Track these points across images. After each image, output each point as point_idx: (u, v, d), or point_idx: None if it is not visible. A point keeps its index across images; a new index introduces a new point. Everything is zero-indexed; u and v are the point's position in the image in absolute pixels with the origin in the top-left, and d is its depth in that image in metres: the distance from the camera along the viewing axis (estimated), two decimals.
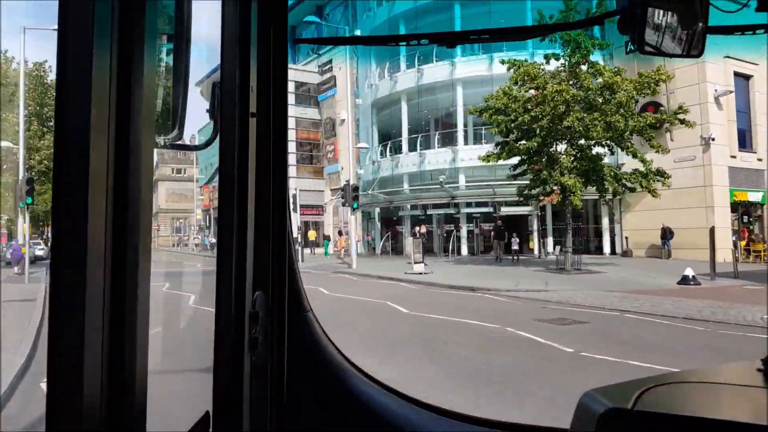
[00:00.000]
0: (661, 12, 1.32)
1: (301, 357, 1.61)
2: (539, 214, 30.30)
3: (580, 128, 19.59)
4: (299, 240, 31.02)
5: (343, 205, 25.24)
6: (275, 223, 1.54)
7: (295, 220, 45.74)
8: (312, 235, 40.79)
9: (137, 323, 0.85)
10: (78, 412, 0.76)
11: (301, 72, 46.04)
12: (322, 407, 1.65)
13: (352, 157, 27.43)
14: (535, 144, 20.32)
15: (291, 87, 45.59)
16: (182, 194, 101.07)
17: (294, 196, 31.14)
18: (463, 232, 31.69)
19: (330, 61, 41.92)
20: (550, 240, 30.27)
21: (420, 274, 20.14)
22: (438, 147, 32.90)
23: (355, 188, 24.94)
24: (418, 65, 32.89)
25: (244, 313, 1.39)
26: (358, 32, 39.35)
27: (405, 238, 34.54)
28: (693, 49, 1.36)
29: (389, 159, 35.02)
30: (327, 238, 40.81)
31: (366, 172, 38.85)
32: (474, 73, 30.95)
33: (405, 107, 34.86)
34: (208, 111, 1.38)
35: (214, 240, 47.36)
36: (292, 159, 45.39)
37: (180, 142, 1.30)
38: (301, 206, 45.14)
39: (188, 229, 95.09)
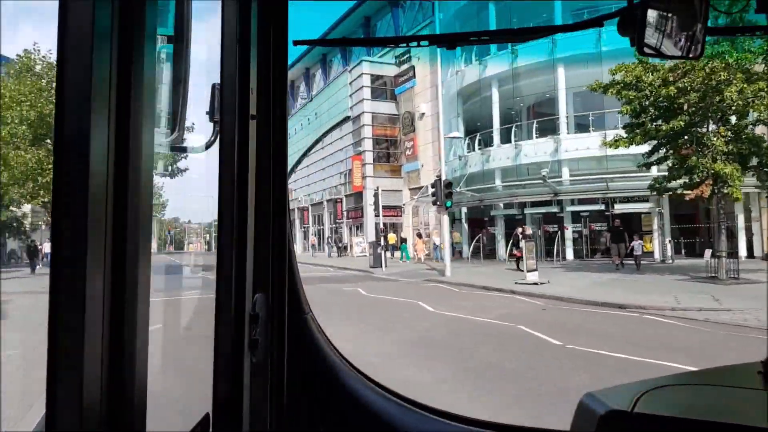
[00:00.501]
0: (661, 13, 1.32)
1: (301, 359, 1.63)
2: (661, 211, 25.89)
3: (739, 102, 15.47)
4: (381, 244, 27.94)
5: (434, 203, 21.98)
6: (275, 224, 1.54)
7: (374, 222, 43.26)
8: (392, 238, 37.82)
9: (137, 324, 0.85)
10: (78, 414, 0.76)
11: (377, 65, 43.28)
12: (322, 409, 1.66)
13: (442, 149, 24.13)
14: (681, 123, 16.31)
15: (366, 81, 42.92)
16: None
17: (376, 195, 28.14)
18: (568, 234, 27.65)
19: (408, 51, 38.75)
20: (658, 241, 25.77)
21: (535, 284, 16.61)
22: (536, 137, 28.99)
23: (448, 184, 21.63)
24: (512, 46, 29.16)
25: (244, 314, 1.39)
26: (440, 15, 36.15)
27: (498, 240, 30.85)
28: (693, 50, 1.36)
29: (479, 153, 31.39)
30: (404, 241, 37.69)
31: (450, 168, 35.38)
32: (578, 51, 26.88)
33: (496, 94, 31.23)
34: (207, 113, 1.38)
35: None
36: (368, 157, 42.56)
37: (180, 144, 1.32)
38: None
39: None
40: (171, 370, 5.76)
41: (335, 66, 51.82)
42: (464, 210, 33.99)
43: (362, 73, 42.66)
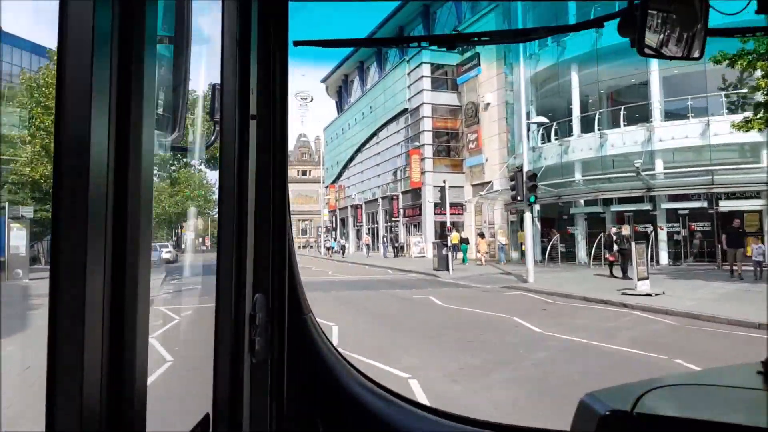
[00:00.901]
0: (662, 14, 1.32)
1: (301, 359, 1.63)
2: None
3: None
4: (448, 245, 25.26)
5: (513, 199, 19.18)
6: (275, 225, 1.54)
7: (433, 221, 40.71)
8: (455, 237, 35.08)
9: (137, 325, 0.85)
10: (78, 415, 0.76)
11: (438, 53, 40.53)
12: (322, 410, 1.65)
13: (524, 137, 21.21)
14: None
15: (426, 70, 40.28)
16: (307, 195, 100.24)
17: (442, 189, 25.47)
18: (663, 235, 24.23)
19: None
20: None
21: (648, 295, 13.64)
22: (624, 125, 25.64)
23: (532, 176, 18.77)
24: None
25: (244, 315, 1.39)
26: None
27: (578, 241, 27.65)
28: (693, 51, 1.36)
29: (556, 144, 28.23)
30: (465, 241, 34.85)
31: (519, 162, 32.31)
32: None
33: (576, 79, 28.02)
34: (208, 113, 1.40)
35: (344, 242, 43.36)
36: (428, 151, 39.88)
37: (181, 144, 1.36)
38: (437, 205, 39.88)
39: (314, 231, 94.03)
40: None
41: (391, 58, 49.28)
42: (537, 207, 30.89)
43: (422, 63, 40.04)
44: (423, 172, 39.60)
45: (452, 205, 39.60)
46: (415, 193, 40.71)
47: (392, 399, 1.64)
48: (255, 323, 1.41)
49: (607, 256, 19.66)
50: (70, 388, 0.76)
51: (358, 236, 52.28)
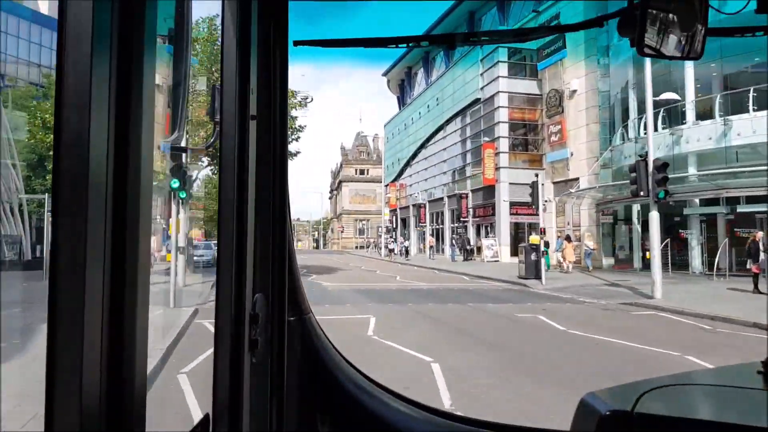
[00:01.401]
0: (661, 14, 1.32)
1: (302, 359, 1.63)
2: None
3: None
4: (544, 249, 21.71)
5: (634, 195, 15.51)
6: (276, 225, 1.55)
7: (507, 221, 37.07)
8: (534, 240, 31.33)
9: (137, 325, 0.85)
10: (77, 414, 0.76)
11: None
12: (323, 410, 1.65)
13: (650, 116, 17.38)
14: None
15: (502, 55, 36.60)
16: (365, 195, 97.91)
17: (534, 185, 21.99)
18: None
19: (557, 17, 32.02)
20: None
21: None
22: (754, 110, 21.35)
23: (662, 165, 15.06)
24: None
25: (244, 315, 1.39)
26: None
27: (692, 247, 23.50)
28: (693, 51, 1.37)
29: (665, 133, 24.11)
30: (546, 245, 31.00)
31: (617, 155, 28.37)
32: None
33: None
34: (208, 113, 1.36)
35: (407, 243, 40.29)
36: (503, 145, 36.22)
37: (179, 145, 1.83)
38: (512, 204, 36.22)
39: (371, 231, 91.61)
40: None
41: (488, 23, 45.01)
42: (636, 207, 26.87)
43: (498, 47, 36.39)
44: (497, 168, 35.99)
45: (527, 204, 35.91)
46: (488, 191, 37.14)
47: (393, 399, 1.66)
48: (255, 323, 1.42)
49: (752, 266, 15.69)
50: (70, 389, 0.76)
51: (422, 237, 49.05)
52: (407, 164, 55.09)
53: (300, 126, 22.43)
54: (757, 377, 1.27)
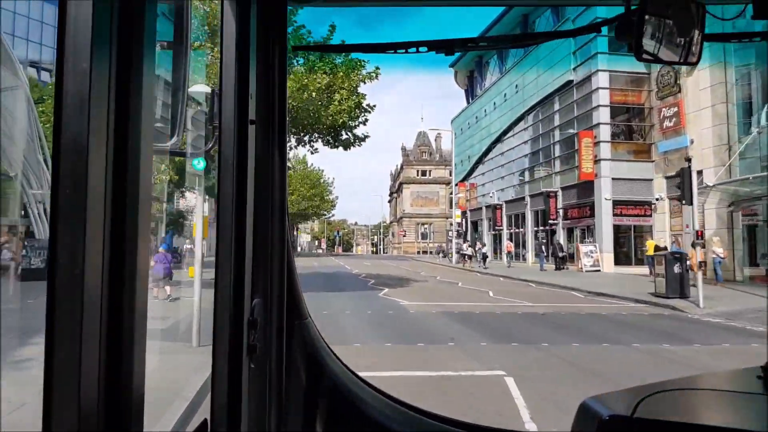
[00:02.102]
0: (658, 20, 1.33)
1: (300, 364, 1.64)
2: None
3: None
4: (679, 259, 16.32)
5: None
6: (275, 230, 1.55)
7: (610, 223, 31.38)
8: (650, 245, 25.58)
9: (135, 330, 0.85)
10: (75, 420, 0.76)
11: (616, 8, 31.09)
12: (321, 414, 1.66)
13: None
14: None
15: (603, 28, 30.89)
16: (426, 197, 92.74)
17: (683, 173, 16.49)
18: None
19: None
20: None
21: None
22: None
23: None
24: None
25: (243, 319, 1.38)
26: None
27: None
28: (690, 56, 1.38)
29: None
30: (661, 251, 25.19)
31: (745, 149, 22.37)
32: None
33: None
34: (206, 118, 1.27)
35: (485, 248, 35.06)
36: (603, 133, 30.53)
37: (178, 149, 1.60)
38: (616, 203, 30.52)
39: (433, 235, 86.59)
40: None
41: (543, 23, 39.62)
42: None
43: (596, 19, 30.71)
44: (597, 161, 30.32)
45: (635, 203, 30.06)
46: (584, 188, 31.51)
47: (390, 403, 1.66)
48: (254, 328, 1.40)
49: None
50: (67, 393, 0.75)
51: (497, 241, 43.69)
52: (479, 161, 49.81)
53: (369, 105, 17.84)
54: (757, 382, 1.29)
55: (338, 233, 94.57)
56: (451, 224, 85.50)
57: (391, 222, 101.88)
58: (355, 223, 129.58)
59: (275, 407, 1.53)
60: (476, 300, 17.05)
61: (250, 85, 1.42)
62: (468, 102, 57.35)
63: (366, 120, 18.60)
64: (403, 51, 1.55)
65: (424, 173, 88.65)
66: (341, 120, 16.58)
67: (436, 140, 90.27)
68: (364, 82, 17.21)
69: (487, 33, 40.13)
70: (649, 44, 1.33)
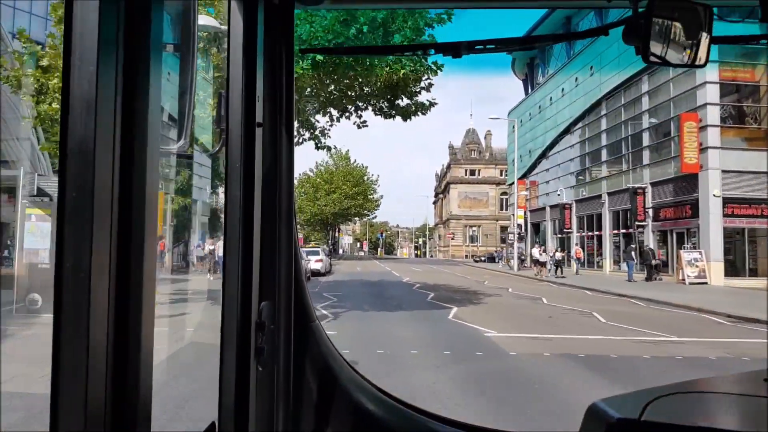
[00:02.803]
0: (666, 22, 1.33)
1: (308, 367, 1.64)
2: None
3: None
4: None
5: None
6: (282, 233, 1.55)
7: (720, 224, 25.73)
8: None
9: (142, 332, 0.85)
10: (82, 423, 0.76)
11: None
12: (329, 417, 1.65)
13: None
14: None
15: None
16: (475, 198, 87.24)
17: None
18: None
19: None
20: None
21: None
22: None
23: None
24: None
25: (251, 322, 1.39)
26: None
27: None
28: (698, 58, 1.37)
29: None
30: None
31: None
32: None
33: None
34: (214, 120, 1.40)
35: (558, 254, 29.35)
36: (712, 116, 24.99)
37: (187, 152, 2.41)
38: (727, 200, 24.93)
39: (483, 239, 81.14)
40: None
41: (586, 27, 34.46)
42: None
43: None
44: (702, 149, 24.85)
45: (750, 201, 24.49)
46: (684, 182, 26.07)
47: (399, 407, 1.64)
48: (261, 331, 1.41)
49: None
50: (74, 396, 0.75)
51: (563, 246, 38.30)
52: (542, 156, 44.51)
53: (437, 64, 13.03)
54: (763, 385, 1.30)
55: (381, 235, 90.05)
56: (503, 227, 79.90)
57: (436, 224, 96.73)
58: (397, 226, 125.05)
59: (283, 410, 1.53)
60: (586, 328, 12.25)
61: (257, 87, 1.42)
62: (527, 92, 52.06)
63: (430, 84, 13.98)
64: (411, 53, 1.18)
65: (472, 173, 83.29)
66: (401, 74, 11.85)
67: (485, 138, 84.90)
68: (427, 75, 12.90)
69: (530, 35, 35.73)
70: (656, 46, 1.34)
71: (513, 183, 51.28)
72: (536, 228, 45.41)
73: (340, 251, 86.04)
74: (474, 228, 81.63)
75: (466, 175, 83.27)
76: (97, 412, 0.77)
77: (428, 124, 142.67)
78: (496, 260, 52.82)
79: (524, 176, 46.93)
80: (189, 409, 5.05)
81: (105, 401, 0.79)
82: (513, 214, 39.51)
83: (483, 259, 57.81)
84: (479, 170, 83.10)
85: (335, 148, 60.02)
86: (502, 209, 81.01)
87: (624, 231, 31.73)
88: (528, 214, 45.52)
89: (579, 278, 28.02)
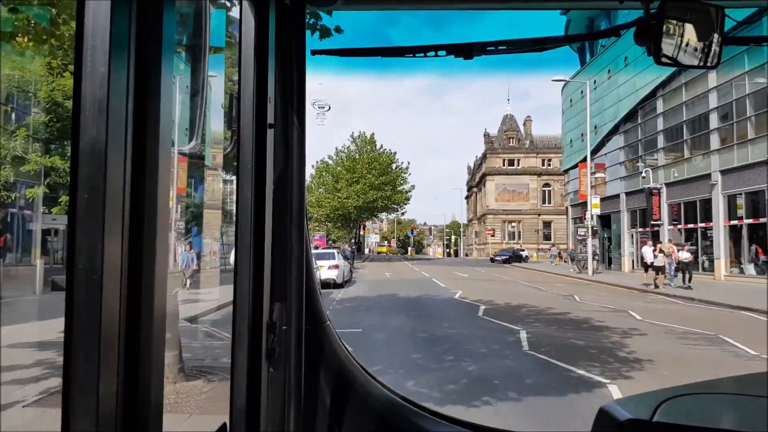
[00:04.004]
0: (677, 23, 1.34)
1: (319, 368, 1.62)
2: None
3: None
4: None
5: None
6: (293, 234, 1.54)
7: None
8: None
9: (153, 334, 0.85)
10: (93, 424, 0.76)
11: None
12: (341, 419, 1.64)
13: None
14: None
15: None
16: (514, 191, 78.25)
17: None
18: None
19: None
20: None
21: None
22: None
23: None
24: None
25: (262, 323, 1.39)
26: None
27: None
28: (710, 59, 1.37)
29: None
30: None
31: None
32: None
33: None
34: (224, 121, 1.40)
35: (685, 254, 21.51)
36: None
37: (197, 153, 1.93)
38: None
39: (524, 235, 72.28)
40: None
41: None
42: None
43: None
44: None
45: None
46: None
47: (411, 409, 1.63)
48: (273, 331, 1.41)
49: None
50: (86, 396, 0.75)
51: (635, 243, 29.74)
52: (614, 130, 35.84)
53: None
54: None
55: (412, 233, 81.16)
56: (545, 221, 70.81)
57: (470, 220, 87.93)
58: (424, 224, 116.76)
59: (294, 411, 1.53)
60: None
61: (269, 88, 1.42)
62: (582, 63, 43.44)
63: None
64: (422, 55, 1.57)
65: (511, 163, 74.39)
66: None
67: (524, 125, 76.00)
68: None
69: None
70: (668, 48, 1.34)
71: (570, 168, 42.70)
72: (606, 221, 36.72)
73: (366, 251, 77.88)
74: (513, 224, 72.87)
75: (503, 165, 74.40)
76: (109, 412, 0.77)
77: (456, 125, 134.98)
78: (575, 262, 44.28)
79: (591, 158, 38.41)
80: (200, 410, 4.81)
81: (117, 402, 0.78)
82: (588, 203, 30.73)
83: (500, 258, 49.83)
84: (518, 160, 74.21)
85: (360, 132, 51.46)
86: (544, 202, 72.22)
87: (752, 221, 23.16)
88: (590, 208, 37.06)
89: (705, 288, 19.64)
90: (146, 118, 0.83)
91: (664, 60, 1.33)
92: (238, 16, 1.38)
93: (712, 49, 1.36)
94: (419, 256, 76.41)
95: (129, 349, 0.81)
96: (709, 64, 1.37)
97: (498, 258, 50.58)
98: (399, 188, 53.11)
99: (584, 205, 37.43)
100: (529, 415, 5.81)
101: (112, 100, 0.77)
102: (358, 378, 1.64)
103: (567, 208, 48.30)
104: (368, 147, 51.90)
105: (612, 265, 35.58)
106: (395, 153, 54.52)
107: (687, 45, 1.34)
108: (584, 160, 37.42)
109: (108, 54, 0.77)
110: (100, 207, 0.76)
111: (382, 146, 54.27)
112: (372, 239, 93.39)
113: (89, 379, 0.75)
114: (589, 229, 29.88)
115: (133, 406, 0.81)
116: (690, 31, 1.33)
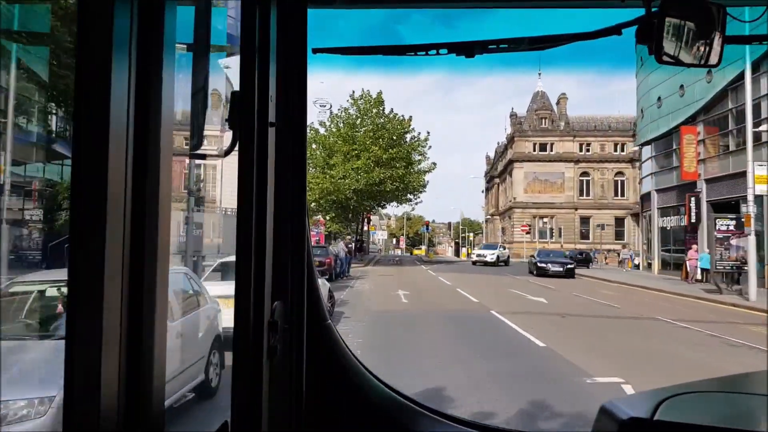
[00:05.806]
0: (679, 22, 1.34)
1: (321, 366, 1.61)
2: None
3: None
4: None
5: None
6: (294, 232, 1.54)
7: None
8: None
9: (155, 333, 0.85)
10: (95, 423, 0.76)
11: None
12: (342, 417, 1.65)
13: None
14: None
15: None
16: (548, 180, 66.11)
17: None
18: None
19: None
20: None
21: None
22: None
23: None
24: None
25: (263, 321, 1.39)
26: None
27: None
28: (711, 58, 1.37)
29: None
30: None
31: None
32: None
33: None
34: (226, 120, 1.41)
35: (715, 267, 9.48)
36: None
37: (199, 151, 1.34)
38: None
39: (555, 232, 60.21)
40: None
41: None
42: None
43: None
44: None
45: None
46: None
47: (413, 407, 1.63)
48: (274, 330, 1.40)
49: None
50: (88, 396, 0.75)
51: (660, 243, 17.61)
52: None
53: None
54: None
55: (427, 228, 68.79)
56: (583, 217, 58.51)
57: (492, 215, 75.89)
58: (433, 221, 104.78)
59: (296, 409, 1.53)
60: None
61: (270, 87, 1.42)
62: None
63: None
64: (424, 53, 1.57)
65: (543, 147, 62.38)
66: None
67: (558, 103, 64.03)
68: None
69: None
70: (669, 46, 1.34)
71: (655, 139, 30.75)
72: (718, 209, 24.64)
73: (378, 252, 65.80)
74: (545, 219, 60.90)
75: (534, 150, 62.41)
76: (111, 411, 0.77)
77: (466, 123, 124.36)
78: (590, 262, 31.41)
79: (688, 121, 26.42)
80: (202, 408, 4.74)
81: (118, 401, 0.78)
82: (748, 174, 18.35)
83: (555, 266, 28.74)
84: (552, 144, 62.21)
85: (363, 91, 37.39)
86: (582, 195, 60.36)
87: None
88: (699, 186, 25.21)
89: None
90: (148, 117, 0.83)
91: (665, 59, 1.35)
92: (239, 15, 1.38)
93: (714, 47, 1.36)
94: (440, 258, 63.58)
95: (131, 348, 0.80)
96: (710, 63, 1.38)
97: (551, 266, 29.18)
98: (414, 167, 38.94)
99: (684, 188, 25.58)
100: None
101: (113, 98, 0.76)
102: (360, 377, 1.65)
103: (639, 197, 36.34)
104: (374, 109, 36.98)
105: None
106: (410, 119, 38.88)
107: (688, 44, 1.35)
108: (686, 122, 25.55)
109: (110, 53, 0.76)
110: (102, 206, 0.75)
111: (392, 110, 38.42)
112: (378, 236, 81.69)
113: (91, 378, 0.74)
114: (752, 219, 17.48)
115: (135, 403, 0.80)
116: (691, 30, 1.34)
